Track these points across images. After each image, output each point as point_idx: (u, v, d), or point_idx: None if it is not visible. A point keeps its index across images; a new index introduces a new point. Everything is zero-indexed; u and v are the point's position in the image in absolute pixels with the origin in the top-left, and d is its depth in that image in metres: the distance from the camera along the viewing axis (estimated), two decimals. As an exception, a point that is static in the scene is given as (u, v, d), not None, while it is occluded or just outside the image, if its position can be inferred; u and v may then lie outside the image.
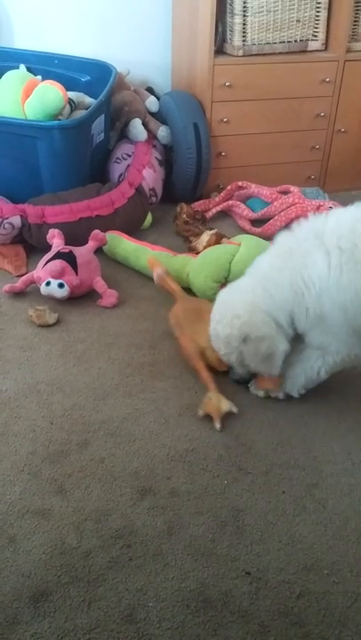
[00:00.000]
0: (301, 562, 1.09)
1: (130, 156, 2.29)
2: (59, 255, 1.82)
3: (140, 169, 2.24)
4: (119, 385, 1.50)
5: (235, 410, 1.37)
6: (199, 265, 1.78)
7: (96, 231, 1.95)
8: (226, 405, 1.37)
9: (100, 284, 1.83)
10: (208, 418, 1.39)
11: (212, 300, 1.75)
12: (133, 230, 2.15)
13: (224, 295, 1.40)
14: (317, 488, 1.23)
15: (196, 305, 1.62)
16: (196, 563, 1.09)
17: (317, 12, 2.36)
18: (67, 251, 1.84)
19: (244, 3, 2.24)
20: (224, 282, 1.75)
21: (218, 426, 1.35)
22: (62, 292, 1.76)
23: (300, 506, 1.19)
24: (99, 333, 1.70)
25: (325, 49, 2.43)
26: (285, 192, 2.29)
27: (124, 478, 1.25)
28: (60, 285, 1.76)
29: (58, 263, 1.78)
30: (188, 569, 1.08)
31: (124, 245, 1.98)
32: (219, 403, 1.37)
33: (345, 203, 2.44)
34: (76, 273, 1.79)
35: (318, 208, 2.13)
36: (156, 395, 1.47)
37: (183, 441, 1.34)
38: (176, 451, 1.31)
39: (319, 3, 2.34)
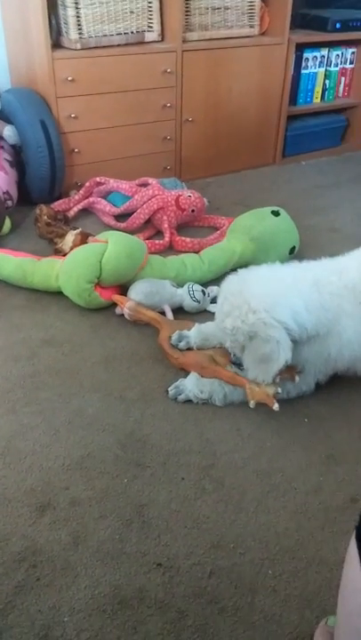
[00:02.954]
0: (208, 541, 1.13)
1: (-24, 159, 2.18)
2: None
3: (-11, 173, 2.14)
4: (0, 402, 1.44)
5: (280, 390, 1.33)
6: (69, 267, 1.75)
7: None
8: (271, 389, 1.32)
9: None
10: (97, 420, 1.39)
11: (88, 301, 1.74)
12: (-8, 238, 2.05)
13: (238, 286, 1.31)
14: (214, 468, 1.29)
15: (183, 325, 1.57)
16: (107, 566, 1.09)
17: (149, 3, 2.41)
18: None
19: (76, -5, 2.22)
20: (97, 281, 1.74)
21: (276, 406, 1.30)
22: None
23: (200, 488, 1.24)
24: (-30, 352, 1.61)
25: (162, 40, 2.49)
26: (144, 184, 2.32)
27: (20, 498, 1.21)
28: None
29: None
30: (100, 574, 1.07)
31: (-16, 255, 1.89)
32: (264, 389, 1.32)
33: (202, 190, 2.55)
34: None
35: (178, 197, 2.19)
36: (41, 406, 1.43)
37: (77, 448, 1.32)
38: (71, 459, 1.29)
39: (150, -6, 2.39)
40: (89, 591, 1.05)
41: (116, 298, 1.74)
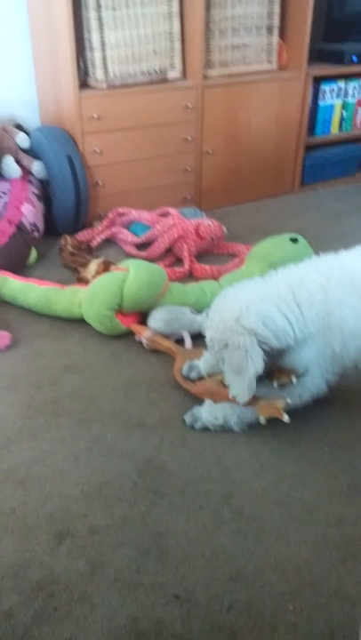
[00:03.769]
0: (227, 573, 1.09)
1: (5, 193, 2.22)
2: None
3: (18, 205, 2.17)
4: (22, 428, 1.43)
5: (290, 401, 1.30)
6: (91, 295, 1.75)
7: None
8: (281, 402, 1.29)
9: (-11, 327, 1.74)
10: (116, 447, 1.36)
11: (109, 328, 1.74)
12: (18, 268, 2.07)
13: (218, 301, 1.32)
14: (233, 497, 1.24)
15: (198, 354, 1.55)
16: (124, 597, 1.05)
17: (172, 43, 2.45)
18: None
19: (102, 38, 2.28)
20: (118, 308, 1.74)
21: (287, 418, 1.27)
22: None
23: (219, 517, 1.19)
24: (-6, 378, 1.61)
25: (184, 77, 2.53)
26: (165, 214, 2.33)
27: (39, 525, 1.18)
28: None
29: None
30: (117, 605, 1.03)
31: (10, 284, 1.90)
32: (272, 402, 1.29)
33: (221, 219, 2.55)
34: None
35: (198, 226, 2.19)
36: (62, 432, 1.42)
37: (96, 475, 1.30)
38: (90, 486, 1.27)
39: (172, 35, 2.44)
40: (106, 622, 1.01)
41: (135, 328, 1.73)
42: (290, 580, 1.07)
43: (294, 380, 1.30)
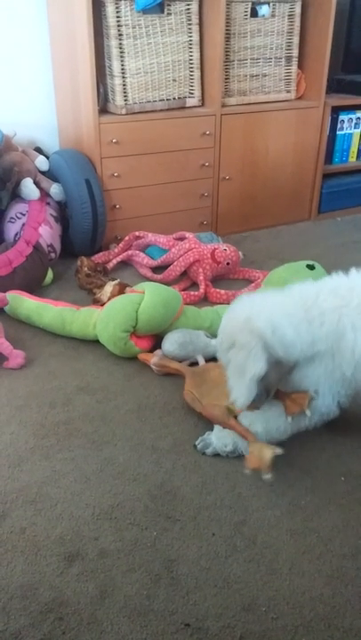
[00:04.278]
0: (239, 603, 1.08)
1: (24, 214, 2.28)
2: None
3: (35, 227, 2.23)
4: (34, 448, 1.44)
5: (278, 451, 1.27)
6: (106, 316, 1.78)
7: (-5, 292, 1.90)
8: (268, 453, 1.26)
9: (4, 346, 1.77)
10: (128, 470, 1.37)
11: (123, 350, 1.76)
12: (35, 288, 2.12)
13: (234, 304, 1.32)
14: (246, 525, 1.24)
15: (205, 374, 1.58)
16: (134, 624, 1.04)
17: (191, 71, 2.54)
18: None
19: (122, 65, 2.37)
20: (132, 331, 1.76)
21: (267, 477, 1.26)
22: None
23: (231, 545, 1.19)
24: (7, 397, 1.63)
25: (202, 104, 2.61)
26: (181, 238, 2.37)
27: (49, 546, 1.19)
28: None
29: None
30: (126, 632, 1.03)
31: (26, 304, 1.94)
32: (260, 453, 1.27)
33: (238, 244, 2.59)
34: (-22, 337, 1.73)
35: (214, 251, 2.23)
36: (74, 453, 1.43)
37: (107, 497, 1.30)
38: (101, 509, 1.27)
39: (192, 63, 2.52)
40: (114, 649, 1.00)
41: (142, 357, 1.75)
42: (304, 613, 1.06)
43: (308, 412, 1.29)
